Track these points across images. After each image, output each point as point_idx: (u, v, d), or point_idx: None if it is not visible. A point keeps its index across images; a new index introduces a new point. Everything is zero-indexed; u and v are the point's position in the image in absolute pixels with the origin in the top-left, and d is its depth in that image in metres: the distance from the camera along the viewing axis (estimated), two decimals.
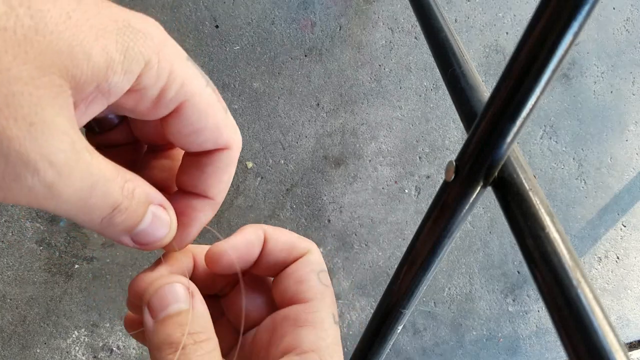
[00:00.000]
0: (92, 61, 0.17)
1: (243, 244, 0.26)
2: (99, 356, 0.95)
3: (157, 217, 0.22)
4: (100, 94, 0.19)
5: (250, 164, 1.02)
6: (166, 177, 0.27)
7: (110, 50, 0.18)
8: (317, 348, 0.24)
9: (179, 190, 0.26)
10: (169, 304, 0.22)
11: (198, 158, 0.25)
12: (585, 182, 1.22)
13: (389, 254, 1.10)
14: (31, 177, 0.16)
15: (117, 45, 0.18)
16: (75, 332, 0.94)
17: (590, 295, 0.33)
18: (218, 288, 0.29)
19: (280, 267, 0.27)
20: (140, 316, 0.23)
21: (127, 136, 0.26)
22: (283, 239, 0.27)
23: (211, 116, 0.23)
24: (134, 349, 0.97)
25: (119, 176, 0.20)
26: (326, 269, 0.27)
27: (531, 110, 0.37)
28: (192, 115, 0.22)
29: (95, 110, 0.20)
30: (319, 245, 1.05)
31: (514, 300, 1.18)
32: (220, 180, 0.25)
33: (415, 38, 1.11)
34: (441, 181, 0.44)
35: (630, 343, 1.28)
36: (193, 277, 0.27)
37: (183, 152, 0.26)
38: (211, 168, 0.24)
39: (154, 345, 0.22)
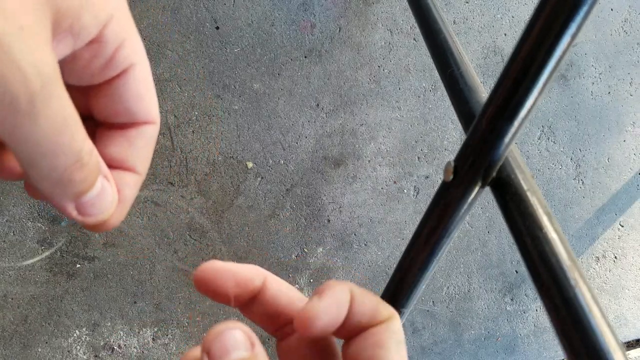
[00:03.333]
0: None
1: (334, 306, 0.23)
2: (100, 355, 0.95)
3: (105, 187, 0.22)
4: (70, 34, 0.19)
5: (250, 164, 1.02)
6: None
7: None
8: None
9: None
10: (230, 352, 0.21)
11: (125, 131, 0.24)
12: (583, 183, 1.22)
13: (388, 254, 1.10)
14: (16, 80, 0.15)
15: None
16: (77, 331, 0.94)
17: (588, 295, 0.33)
18: (273, 328, 0.26)
19: (358, 331, 0.24)
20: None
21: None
22: (369, 302, 0.24)
23: (149, 88, 0.23)
24: (134, 347, 0.97)
25: (81, 126, 0.19)
26: (404, 341, 0.24)
27: (529, 111, 0.38)
28: (136, 81, 0.22)
29: (61, 51, 0.19)
30: (319, 244, 1.06)
31: (512, 300, 1.18)
32: (148, 155, 0.25)
33: (414, 39, 1.11)
34: (440, 181, 0.45)
35: (628, 342, 1.29)
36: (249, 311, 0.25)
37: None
38: (141, 141, 0.24)
39: None
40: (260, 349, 0.21)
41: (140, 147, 0.24)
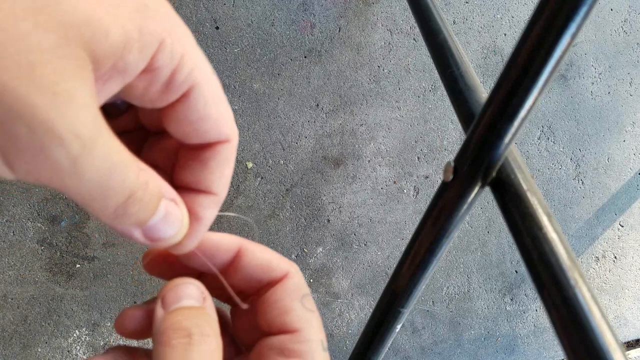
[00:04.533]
0: (110, 38, 0.17)
1: (217, 238, 0.25)
2: None
3: (170, 211, 0.22)
4: (117, 72, 0.18)
5: (250, 164, 1.02)
6: (167, 167, 0.26)
7: (127, 27, 0.17)
8: None
9: (180, 187, 0.24)
10: (181, 299, 0.23)
11: (199, 152, 0.24)
12: (582, 183, 1.23)
13: (387, 254, 1.10)
14: (56, 148, 0.16)
15: (133, 23, 0.18)
16: (77, 331, 0.94)
17: (587, 295, 0.33)
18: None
19: (258, 285, 0.26)
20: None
21: (135, 124, 0.26)
22: (260, 255, 0.26)
23: (217, 105, 0.22)
24: None
25: (134, 163, 0.19)
26: (309, 292, 0.26)
27: (529, 111, 0.38)
28: (200, 101, 0.21)
29: (111, 90, 0.19)
30: (318, 244, 1.06)
31: (511, 300, 1.18)
32: (223, 174, 0.24)
33: (414, 39, 1.11)
34: (439, 181, 0.45)
35: (628, 342, 1.29)
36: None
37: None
38: (214, 162, 0.23)
39: (160, 331, 0.21)
40: (210, 303, 0.23)
41: (213, 167, 0.23)
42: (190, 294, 0.23)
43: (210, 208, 0.24)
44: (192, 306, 0.23)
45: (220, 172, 0.24)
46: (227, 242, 0.25)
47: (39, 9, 0.15)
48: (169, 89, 0.21)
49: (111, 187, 0.18)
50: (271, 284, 0.25)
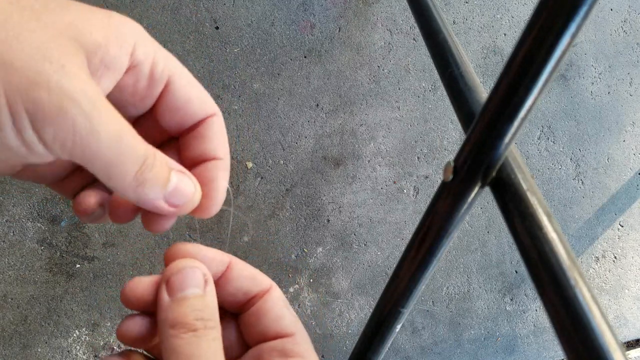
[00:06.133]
0: (93, 36, 0.21)
1: (209, 254, 0.27)
2: (100, 355, 0.95)
3: (181, 178, 0.25)
4: (106, 68, 0.22)
5: (250, 164, 1.02)
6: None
7: (105, 29, 0.22)
8: None
9: (190, 165, 0.28)
10: (188, 287, 0.25)
11: (196, 131, 0.27)
12: (582, 183, 1.23)
13: (387, 254, 1.10)
14: (72, 106, 0.19)
15: (109, 26, 0.22)
16: (77, 331, 0.94)
17: (587, 295, 0.33)
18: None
19: (243, 298, 0.28)
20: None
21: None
22: (247, 268, 0.29)
23: (195, 87, 0.26)
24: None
25: (138, 136, 0.23)
26: (287, 302, 0.29)
27: (529, 111, 0.38)
28: (181, 87, 0.26)
29: (106, 86, 0.23)
30: (318, 244, 1.06)
31: (511, 300, 1.18)
32: (222, 140, 0.28)
33: (414, 39, 1.11)
34: (439, 181, 0.45)
35: (628, 342, 1.29)
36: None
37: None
38: (211, 132, 0.27)
39: (168, 322, 0.24)
40: (211, 288, 0.26)
41: (211, 137, 0.27)
42: (194, 281, 0.25)
43: (221, 170, 0.28)
44: (197, 295, 0.25)
45: (219, 139, 0.28)
46: (220, 256, 0.28)
47: (37, 15, 0.20)
48: (153, 82, 0.25)
49: (124, 152, 0.21)
50: (257, 296, 0.28)
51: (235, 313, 0.29)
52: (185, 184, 0.25)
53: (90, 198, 0.26)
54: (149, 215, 0.27)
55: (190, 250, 0.26)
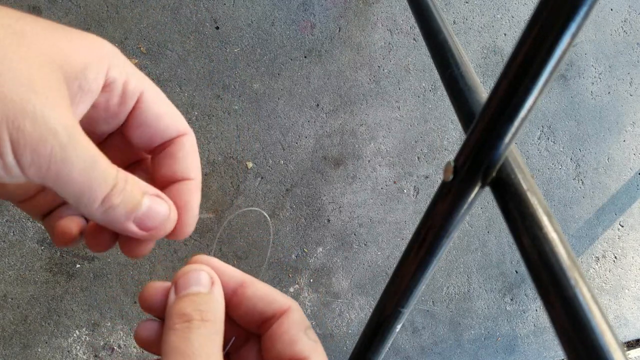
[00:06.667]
0: (73, 62, 0.22)
1: (223, 268, 0.28)
2: (100, 355, 0.95)
3: (155, 201, 0.25)
4: (83, 93, 0.23)
5: (250, 164, 1.02)
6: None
7: (84, 54, 0.23)
8: None
9: (162, 186, 0.28)
10: (190, 286, 0.25)
11: (167, 150, 0.28)
12: (582, 183, 1.23)
13: (387, 254, 1.10)
14: (51, 137, 0.20)
15: (89, 50, 0.23)
16: (77, 331, 0.94)
17: (587, 295, 0.33)
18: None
19: (260, 319, 0.28)
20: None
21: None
22: (263, 288, 0.28)
23: (166, 105, 0.27)
24: (134, 347, 0.97)
25: (111, 163, 0.23)
26: (310, 325, 0.29)
27: (529, 111, 0.38)
28: (152, 104, 0.26)
29: (81, 111, 0.24)
30: (319, 244, 1.06)
31: (512, 300, 1.18)
32: (193, 161, 0.28)
33: (414, 39, 1.11)
34: (439, 181, 0.45)
35: (628, 342, 1.29)
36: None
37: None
38: (182, 152, 0.28)
39: (168, 315, 0.25)
40: (218, 289, 0.26)
41: (183, 157, 0.28)
42: (199, 281, 0.26)
43: (192, 191, 0.28)
44: (199, 292, 0.25)
45: (190, 160, 0.28)
46: (233, 272, 0.28)
47: (27, 45, 0.21)
48: (125, 99, 0.25)
49: (95, 177, 0.22)
50: (274, 317, 0.28)
51: (258, 334, 0.29)
52: (159, 207, 0.25)
53: (72, 224, 0.27)
54: (124, 240, 0.27)
55: (205, 261, 0.27)
